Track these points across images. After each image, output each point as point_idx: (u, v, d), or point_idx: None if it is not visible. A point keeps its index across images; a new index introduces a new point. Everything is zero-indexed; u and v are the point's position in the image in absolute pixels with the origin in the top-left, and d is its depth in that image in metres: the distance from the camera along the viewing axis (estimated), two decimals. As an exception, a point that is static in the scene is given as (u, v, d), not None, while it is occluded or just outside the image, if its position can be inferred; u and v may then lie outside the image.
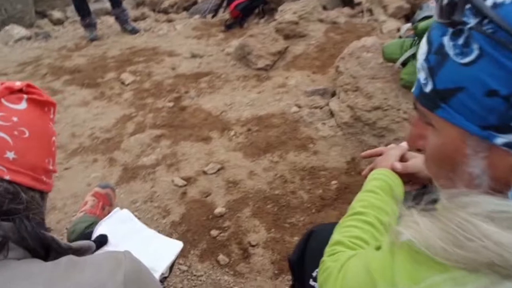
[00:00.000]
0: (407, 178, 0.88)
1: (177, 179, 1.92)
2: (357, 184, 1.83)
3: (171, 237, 1.65)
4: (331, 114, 2.26)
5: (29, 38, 4.16)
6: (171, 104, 2.58)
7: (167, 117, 2.45)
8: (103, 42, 3.84)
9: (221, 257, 1.56)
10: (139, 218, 1.76)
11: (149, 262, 1.09)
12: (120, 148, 2.20)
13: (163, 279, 1.11)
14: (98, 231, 1.15)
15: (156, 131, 2.30)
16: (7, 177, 0.58)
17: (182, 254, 1.47)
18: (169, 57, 3.30)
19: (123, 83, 2.93)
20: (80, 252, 0.70)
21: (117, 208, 1.24)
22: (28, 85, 0.66)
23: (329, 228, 0.85)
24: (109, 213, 1.58)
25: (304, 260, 0.96)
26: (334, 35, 3.24)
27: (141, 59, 3.31)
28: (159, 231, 1.69)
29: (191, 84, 2.82)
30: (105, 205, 1.63)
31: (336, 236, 0.76)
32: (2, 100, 0.61)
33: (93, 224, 1.45)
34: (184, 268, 1.53)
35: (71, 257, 0.60)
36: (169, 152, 2.13)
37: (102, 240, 1.12)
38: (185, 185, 1.90)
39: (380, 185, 0.83)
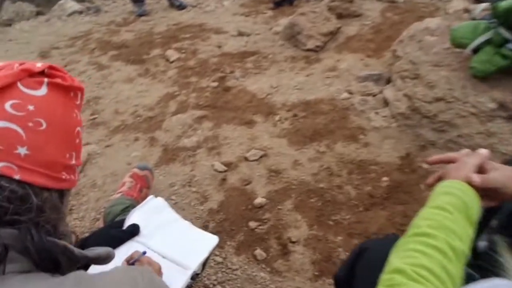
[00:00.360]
0: (483, 192, 0.72)
1: (217, 164, 1.84)
2: (410, 183, 1.67)
3: (207, 226, 1.59)
4: (385, 103, 2.08)
5: (80, 12, 4.21)
6: (215, 84, 2.49)
7: (211, 98, 2.36)
8: (151, 18, 3.81)
9: (258, 252, 1.47)
10: (175, 203, 1.71)
11: (181, 258, 1.02)
12: (161, 127, 2.15)
13: (194, 276, 1.04)
14: (130, 219, 1.09)
15: (199, 111, 2.23)
16: (16, 177, 0.50)
17: (219, 244, 1.39)
18: (215, 34, 3.20)
19: (168, 60, 2.88)
20: (98, 260, 0.63)
21: (151, 196, 1.18)
22: (51, 67, 0.57)
23: (384, 247, 0.72)
24: (146, 196, 1.53)
25: (353, 281, 0.84)
26: (391, 15, 2.99)
27: (187, 35, 3.23)
28: (195, 218, 1.64)
29: (236, 63, 2.71)
30: (143, 187, 1.59)
31: (395, 261, 0.63)
32: (18, 84, 0.53)
33: (129, 207, 1.41)
34: (219, 259, 1.46)
35: (80, 274, 0.52)
36: (211, 135, 2.05)
37: (133, 231, 1.06)
38: (225, 171, 1.82)
39: (452, 202, 0.68)
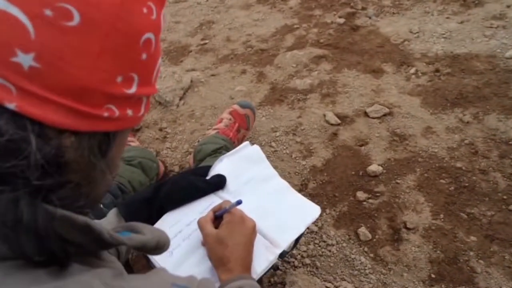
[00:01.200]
0: None
1: (330, 114, 1.55)
2: None
3: (306, 185, 1.35)
4: None
5: None
6: (341, 20, 2.12)
7: (334, 36, 2.01)
8: None
9: (363, 230, 1.20)
10: (274, 151, 1.49)
11: (272, 231, 0.80)
12: (273, 63, 1.90)
13: (284, 253, 0.82)
14: (217, 168, 0.89)
15: (318, 50, 1.91)
16: (11, 105, 0.29)
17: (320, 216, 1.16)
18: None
19: (292, -13, 2.54)
20: (144, 249, 0.42)
21: (247, 143, 0.96)
22: None
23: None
24: (243, 138, 1.33)
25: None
26: None
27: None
28: (294, 173, 1.40)
29: (371, -1, 2.27)
30: (241, 127, 1.38)
31: None
32: None
33: (222, 149, 1.22)
34: (314, 228, 1.23)
35: (86, 280, 0.31)
36: (328, 79, 1.74)
37: (218, 183, 0.86)
38: (338, 124, 1.53)
39: None
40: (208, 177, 0.87)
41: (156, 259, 0.78)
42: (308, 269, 1.15)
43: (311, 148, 1.47)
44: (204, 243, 0.78)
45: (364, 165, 1.38)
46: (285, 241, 0.78)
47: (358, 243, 1.19)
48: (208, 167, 0.90)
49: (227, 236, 0.73)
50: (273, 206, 0.84)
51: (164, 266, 0.76)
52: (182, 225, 0.81)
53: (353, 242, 1.20)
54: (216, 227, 0.77)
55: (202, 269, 0.76)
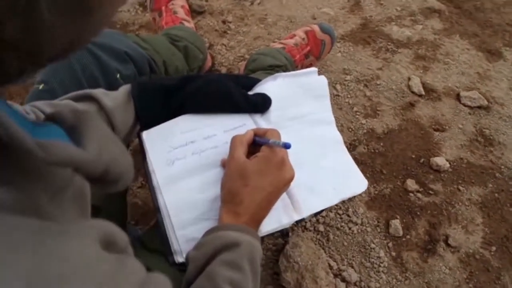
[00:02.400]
0: None
1: (416, 80, 1.28)
2: None
3: (354, 148, 1.14)
4: None
5: None
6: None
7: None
8: None
9: (395, 223, 1.01)
10: (336, 95, 1.27)
11: (299, 191, 0.61)
12: (376, -4, 1.58)
13: (299, 220, 0.65)
14: (266, 86, 0.69)
15: (434, 1, 1.56)
16: None
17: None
18: None
19: None
20: (81, 172, 0.27)
21: (314, 69, 0.74)
22: None
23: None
24: (310, 67, 1.10)
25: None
26: None
27: None
28: (347, 129, 1.19)
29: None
30: (312, 53, 1.15)
31: None
32: None
33: (281, 68, 1.01)
34: (357, 221, 1.05)
35: None
36: (431, 40, 1.42)
37: (259, 105, 0.67)
38: (420, 95, 1.26)
39: None
40: (251, 93, 0.68)
41: (151, 160, 0.63)
42: (318, 237, 1.00)
43: (378, 108, 1.23)
44: (224, 165, 0.61)
45: (430, 153, 1.15)
46: (309, 209, 0.61)
47: (385, 234, 1.01)
48: (256, 81, 0.70)
49: (254, 174, 0.56)
50: (314, 159, 0.66)
51: (159, 173, 0.62)
52: (197, 135, 0.65)
53: (379, 231, 1.02)
54: (247, 155, 0.60)
55: (202, 197, 0.61)
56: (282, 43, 1.15)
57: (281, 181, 0.57)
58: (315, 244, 0.97)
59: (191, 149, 0.64)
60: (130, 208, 1.04)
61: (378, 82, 1.29)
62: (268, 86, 0.67)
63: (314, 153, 0.66)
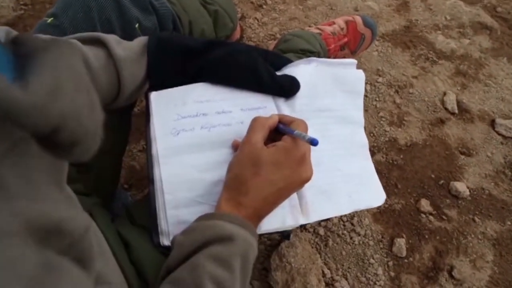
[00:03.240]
0: None
1: (452, 97, 1.19)
2: None
3: (372, 155, 1.07)
4: None
5: None
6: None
7: (515, 14, 1.53)
8: None
9: (400, 242, 0.95)
10: (366, 96, 1.19)
11: (311, 194, 0.51)
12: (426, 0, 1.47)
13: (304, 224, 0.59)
14: (298, 69, 0.62)
15: (487, 16, 1.45)
16: None
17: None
18: None
19: None
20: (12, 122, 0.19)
21: (354, 61, 0.66)
22: None
23: None
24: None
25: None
26: None
27: None
28: (369, 133, 1.12)
29: None
30: (349, 46, 1.07)
31: None
32: None
33: (314, 55, 0.93)
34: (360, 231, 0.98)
35: None
36: (476, 57, 1.32)
37: (286, 87, 0.59)
38: (452, 113, 1.18)
39: None
40: (279, 73, 0.60)
41: (155, 125, 0.56)
42: (317, 240, 0.94)
43: (405, 118, 1.15)
44: (236, 147, 0.54)
45: (451, 176, 1.07)
46: (318, 214, 0.54)
47: (387, 251, 0.95)
48: (287, 61, 0.62)
49: (269, 164, 0.49)
50: (333, 160, 0.58)
51: (161, 142, 0.55)
52: (211, 108, 0.57)
53: (381, 247, 0.95)
54: (266, 142, 0.53)
55: (203, 178, 0.54)
56: (319, 29, 1.06)
57: (296, 179, 0.50)
58: (312, 248, 0.91)
59: (201, 121, 0.57)
60: (126, 171, 0.98)
61: (410, 91, 1.20)
62: (299, 70, 0.60)
63: (335, 153, 0.59)
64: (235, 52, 0.58)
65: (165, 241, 0.51)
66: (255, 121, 0.53)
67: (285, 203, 0.54)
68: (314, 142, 0.47)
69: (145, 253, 0.47)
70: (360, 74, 0.65)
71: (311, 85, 0.60)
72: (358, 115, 0.63)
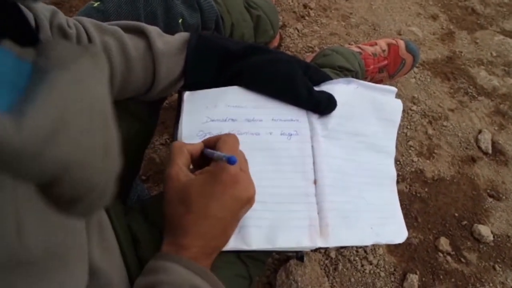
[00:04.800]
0: None
1: (487, 136, 1.15)
2: None
3: (397, 185, 1.03)
4: None
5: None
6: None
7: None
8: None
9: (413, 279, 0.91)
10: (410, 123, 1.15)
11: (332, 216, 0.50)
12: (473, 31, 1.43)
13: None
14: (333, 88, 0.60)
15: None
16: None
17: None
18: None
19: None
20: None
21: (394, 89, 0.64)
22: None
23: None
24: (379, 83, 1.00)
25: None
26: None
27: None
28: (396, 162, 1.08)
29: None
30: (387, 69, 1.05)
31: None
32: None
33: (351, 74, 0.92)
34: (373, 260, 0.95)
35: None
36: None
37: (323, 104, 0.57)
38: (485, 153, 1.13)
39: None
40: (317, 88, 0.59)
41: (183, 126, 0.55)
42: (327, 263, 0.91)
43: (435, 151, 1.11)
44: (164, 187, 0.47)
45: (476, 218, 1.02)
46: (338, 240, 0.52)
47: (397, 286, 0.91)
48: (327, 78, 0.60)
49: (198, 196, 0.43)
50: (359, 187, 0.56)
51: (185, 141, 0.54)
52: (242, 114, 0.56)
53: (392, 280, 0.92)
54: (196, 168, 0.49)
55: None
56: (360, 48, 1.04)
57: (235, 203, 0.45)
58: (320, 269, 0.88)
59: (229, 127, 0.55)
60: (146, 162, 0.98)
61: (445, 124, 1.16)
62: (338, 88, 0.58)
63: (362, 180, 0.57)
64: (276, 60, 0.56)
65: None
66: (173, 147, 0.47)
67: (303, 223, 0.52)
68: (231, 161, 0.41)
69: (153, 251, 0.46)
70: (399, 104, 0.62)
71: (347, 106, 0.58)
72: (391, 145, 0.61)
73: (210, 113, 0.56)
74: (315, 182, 0.54)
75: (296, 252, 0.77)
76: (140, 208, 0.57)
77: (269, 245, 0.50)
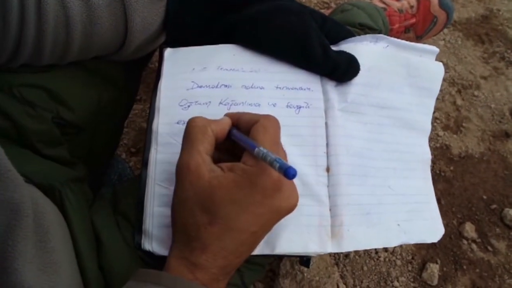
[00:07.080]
0: None
1: (523, 107, 1.01)
2: None
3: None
4: None
5: None
6: None
7: None
8: None
9: (433, 268, 0.81)
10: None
11: (350, 217, 0.33)
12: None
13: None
14: (356, 48, 0.46)
15: None
16: None
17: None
18: None
19: None
20: None
21: (435, 49, 0.50)
22: None
23: None
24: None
25: None
26: None
27: None
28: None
29: None
30: (415, 28, 0.90)
31: None
32: None
33: (374, 32, 0.77)
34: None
35: None
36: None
37: (342, 68, 0.43)
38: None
39: None
40: (335, 48, 0.45)
41: (162, 92, 0.43)
42: (337, 255, 0.81)
43: (464, 124, 0.98)
44: (177, 182, 0.35)
45: (507, 202, 0.91)
46: (354, 243, 0.41)
47: (415, 276, 0.81)
48: (348, 34, 0.47)
49: (228, 204, 0.32)
50: (385, 175, 0.44)
51: (164, 116, 0.42)
52: (237, 79, 0.44)
53: (410, 269, 0.82)
54: (217, 159, 0.35)
55: None
56: (384, 3, 0.89)
57: (274, 216, 0.34)
58: (330, 257, 0.79)
59: (222, 95, 0.43)
60: (136, 133, 0.87)
61: (476, 93, 1.02)
62: (362, 48, 0.45)
63: (388, 165, 0.45)
64: (283, 10, 0.43)
65: (146, 245, 0.39)
66: (191, 126, 0.34)
67: (312, 220, 0.41)
68: (289, 174, 0.28)
69: (119, 256, 0.36)
70: (440, 68, 0.49)
71: (374, 71, 0.45)
72: (426, 121, 0.48)
73: (197, 77, 0.43)
74: (327, 169, 0.42)
75: (301, 256, 0.67)
76: (111, 195, 0.46)
77: (268, 250, 0.39)
